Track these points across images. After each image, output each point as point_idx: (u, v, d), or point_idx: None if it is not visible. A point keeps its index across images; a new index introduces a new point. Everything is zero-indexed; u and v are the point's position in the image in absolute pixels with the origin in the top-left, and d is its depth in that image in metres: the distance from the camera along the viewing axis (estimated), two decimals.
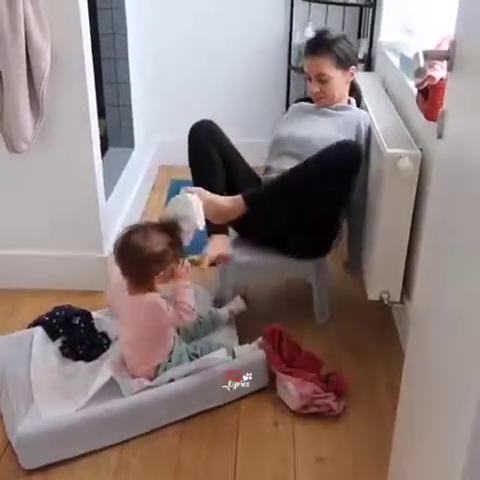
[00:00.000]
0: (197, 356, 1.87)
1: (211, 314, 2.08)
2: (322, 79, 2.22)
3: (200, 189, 2.01)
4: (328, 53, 2.19)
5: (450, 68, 1.09)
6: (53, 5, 1.96)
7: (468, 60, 1.01)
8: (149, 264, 1.75)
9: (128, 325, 1.83)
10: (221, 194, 2.09)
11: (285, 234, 2.12)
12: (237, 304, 2.16)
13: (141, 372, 1.82)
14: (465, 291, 0.96)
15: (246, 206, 2.04)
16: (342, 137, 2.16)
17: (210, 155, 2.15)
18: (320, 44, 2.22)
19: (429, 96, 1.69)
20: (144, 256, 1.74)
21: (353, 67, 2.26)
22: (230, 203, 2.05)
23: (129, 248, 1.76)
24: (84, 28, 2.05)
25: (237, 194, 2.10)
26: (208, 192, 2.02)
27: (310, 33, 3.12)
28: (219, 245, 2.07)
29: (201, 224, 1.90)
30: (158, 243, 1.76)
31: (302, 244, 2.13)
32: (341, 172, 1.99)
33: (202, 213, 1.91)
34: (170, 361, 1.83)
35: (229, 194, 2.14)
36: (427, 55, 1.13)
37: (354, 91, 2.39)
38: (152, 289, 1.81)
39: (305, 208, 2.03)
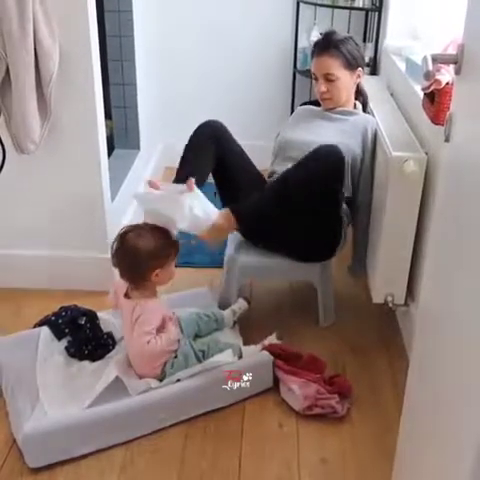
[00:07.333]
0: (204, 352, 1.88)
1: (215, 313, 2.10)
2: (329, 79, 2.20)
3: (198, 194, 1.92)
4: (336, 53, 2.18)
5: (458, 72, 1.09)
6: (62, 7, 1.98)
7: (476, 64, 1.02)
8: (144, 261, 1.77)
9: (126, 327, 1.84)
10: (202, 180, 2.05)
11: (289, 239, 2.13)
12: (239, 304, 2.18)
13: (146, 371, 1.83)
14: (474, 294, 0.96)
15: (236, 219, 1.98)
16: (348, 141, 2.17)
17: (206, 151, 2.15)
18: (328, 44, 2.20)
19: (436, 100, 1.69)
20: (139, 253, 1.76)
21: (360, 69, 2.25)
22: (219, 218, 1.96)
23: (124, 247, 1.79)
24: (92, 30, 2.06)
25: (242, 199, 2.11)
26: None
27: (316, 37, 3.14)
28: (227, 218, 1.98)
29: (186, 226, 1.85)
30: (152, 240, 1.78)
31: (306, 248, 2.14)
32: (320, 180, 1.97)
33: (196, 212, 1.84)
34: (176, 357, 1.84)
35: (233, 199, 2.16)
36: (435, 59, 1.14)
37: (360, 95, 2.37)
38: (153, 292, 1.83)
39: (297, 215, 2.02)
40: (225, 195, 2.27)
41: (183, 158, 2.16)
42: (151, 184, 1.91)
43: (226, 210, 1.99)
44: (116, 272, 2.37)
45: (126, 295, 1.84)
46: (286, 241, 2.14)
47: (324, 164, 1.97)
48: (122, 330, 1.94)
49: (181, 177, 2.03)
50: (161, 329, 1.81)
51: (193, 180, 1.88)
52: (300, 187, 1.96)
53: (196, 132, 2.19)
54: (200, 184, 2.03)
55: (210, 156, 2.17)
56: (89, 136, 2.19)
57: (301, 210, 2.00)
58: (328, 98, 2.26)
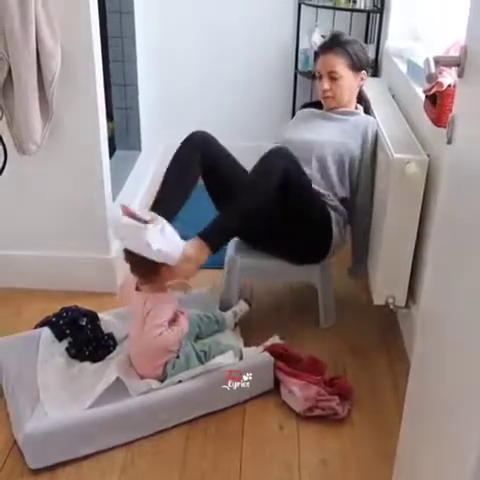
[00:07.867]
0: (205, 353, 1.88)
1: (215, 315, 2.10)
2: (333, 77, 2.22)
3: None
4: (342, 51, 2.21)
5: (460, 74, 1.09)
6: (64, 8, 1.98)
7: (479, 66, 1.02)
8: None
9: (136, 321, 1.83)
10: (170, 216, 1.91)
11: (282, 242, 2.12)
12: (241, 306, 2.18)
13: (147, 371, 1.83)
14: (476, 296, 0.96)
15: (208, 246, 1.87)
16: (348, 141, 2.17)
17: (189, 171, 2.12)
18: (335, 43, 2.24)
19: (438, 102, 1.69)
20: None
21: (364, 72, 2.27)
22: (191, 247, 1.84)
23: None
24: (94, 31, 2.06)
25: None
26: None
27: (317, 38, 3.15)
28: (197, 247, 1.87)
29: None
30: None
31: (299, 251, 2.14)
32: (274, 181, 1.93)
33: (158, 246, 1.70)
34: (178, 357, 1.84)
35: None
36: (438, 61, 1.14)
37: (362, 100, 2.38)
38: (163, 287, 1.82)
39: (271, 215, 1.99)
40: (221, 206, 2.25)
41: (164, 181, 2.12)
42: (124, 210, 1.82)
43: (195, 239, 1.88)
44: (118, 272, 2.39)
45: (137, 288, 1.84)
46: (280, 244, 2.14)
47: (274, 167, 1.94)
48: (130, 324, 1.91)
49: (160, 200, 2.07)
50: (173, 322, 1.81)
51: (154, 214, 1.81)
52: (253, 194, 1.95)
53: (179, 151, 2.14)
54: (180, 206, 2.07)
55: (193, 175, 2.13)
56: (90, 137, 2.19)
57: (267, 214, 1.97)
58: (330, 96, 2.27)
